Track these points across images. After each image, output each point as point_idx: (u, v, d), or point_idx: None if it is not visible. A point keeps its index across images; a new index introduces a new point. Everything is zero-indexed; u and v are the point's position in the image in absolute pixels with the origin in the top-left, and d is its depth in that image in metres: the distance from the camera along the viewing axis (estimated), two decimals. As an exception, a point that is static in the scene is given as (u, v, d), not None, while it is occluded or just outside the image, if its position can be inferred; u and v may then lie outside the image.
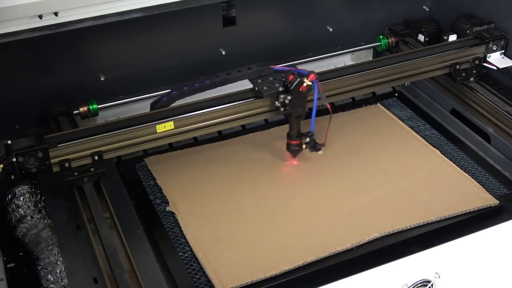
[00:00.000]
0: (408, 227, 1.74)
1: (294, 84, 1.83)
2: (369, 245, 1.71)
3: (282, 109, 1.88)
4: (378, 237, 1.71)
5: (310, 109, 1.90)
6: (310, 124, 1.91)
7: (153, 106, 1.87)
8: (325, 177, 1.96)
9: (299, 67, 1.98)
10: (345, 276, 1.50)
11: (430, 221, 1.76)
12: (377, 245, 1.71)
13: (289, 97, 1.85)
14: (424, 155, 2.06)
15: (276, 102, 1.87)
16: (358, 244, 1.69)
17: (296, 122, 1.92)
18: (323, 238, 1.72)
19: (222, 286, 1.58)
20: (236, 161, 2.04)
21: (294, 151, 1.99)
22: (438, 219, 1.76)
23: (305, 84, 1.83)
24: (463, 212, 1.79)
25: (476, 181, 1.94)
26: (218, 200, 1.88)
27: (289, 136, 1.96)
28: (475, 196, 1.86)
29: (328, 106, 1.89)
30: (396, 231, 1.73)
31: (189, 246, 1.73)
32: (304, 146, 1.96)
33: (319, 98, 1.86)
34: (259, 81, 1.89)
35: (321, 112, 1.93)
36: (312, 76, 1.82)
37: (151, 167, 2.02)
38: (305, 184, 1.94)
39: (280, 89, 1.86)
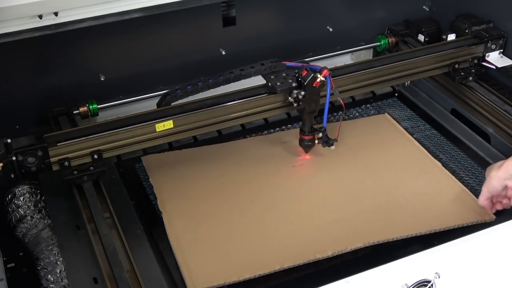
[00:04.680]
0: (395, 239, 1.72)
1: (308, 79, 1.84)
2: (369, 245, 1.71)
3: (295, 105, 1.89)
4: (362, 247, 1.69)
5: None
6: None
7: (163, 100, 1.88)
8: (318, 184, 1.95)
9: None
10: (345, 276, 1.50)
11: (419, 234, 1.73)
12: (377, 245, 1.71)
13: (302, 93, 1.86)
14: (424, 167, 2.02)
15: (289, 98, 1.88)
16: (339, 253, 1.68)
17: (309, 117, 1.93)
18: (304, 245, 1.71)
19: (194, 286, 1.58)
20: (233, 164, 2.03)
21: (306, 146, 2.00)
22: (427, 233, 1.74)
23: (318, 80, 1.84)
24: (455, 227, 1.76)
25: (476, 181, 1.94)
26: (206, 201, 1.87)
27: (302, 131, 1.98)
28: (471, 211, 1.81)
29: (341, 101, 1.90)
30: (381, 242, 1.71)
31: None
32: (316, 141, 1.97)
33: (332, 94, 1.87)
34: (272, 77, 1.90)
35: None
36: (325, 71, 1.83)
37: (147, 165, 2.02)
38: (296, 189, 1.93)
39: (294, 84, 1.87)
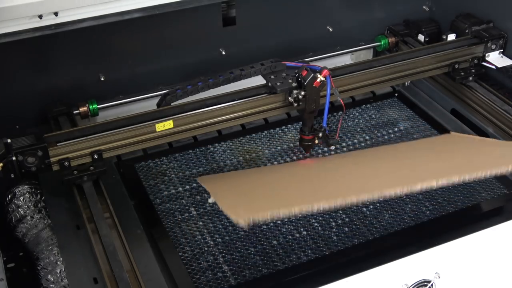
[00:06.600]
0: (472, 178, 1.57)
1: (308, 79, 1.84)
2: (369, 245, 1.71)
3: (295, 105, 1.90)
4: (435, 187, 1.53)
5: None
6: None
7: (163, 100, 1.88)
8: (379, 171, 1.79)
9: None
10: (345, 276, 1.50)
11: (501, 173, 1.59)
12: (377, 245, 1.71)
13: (302, 93, 1.87)
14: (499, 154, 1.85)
15: (289, 98, 1.89)
16: (409, 191, 1.51)
17: (309, 117, 1.94)
18: (369, 185, 1.58)
19: (238, 216, 1.45)
20: (288, 170, 1.97)
21: (306, 146, 2.00)
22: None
23: (318, 80, 1.84)
24: None
25: (476, 181, 1.92)
26: (257, 189, 1.78)
27: (302, 131, 1.98)
28: None
29: (341, 101, 1.90)
30: (456, 182, 1.55)
31: (189, 246, 1.72)
32: (316, 141, 1.98)
33: (332, 94, 1.87)
34: (272, 77, 1.91)
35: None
36: (325, 71, 1.84)
37: (203, 183, 1.93)
38: (356, 176, 1.78)
39: (294, 84, 1.87)
